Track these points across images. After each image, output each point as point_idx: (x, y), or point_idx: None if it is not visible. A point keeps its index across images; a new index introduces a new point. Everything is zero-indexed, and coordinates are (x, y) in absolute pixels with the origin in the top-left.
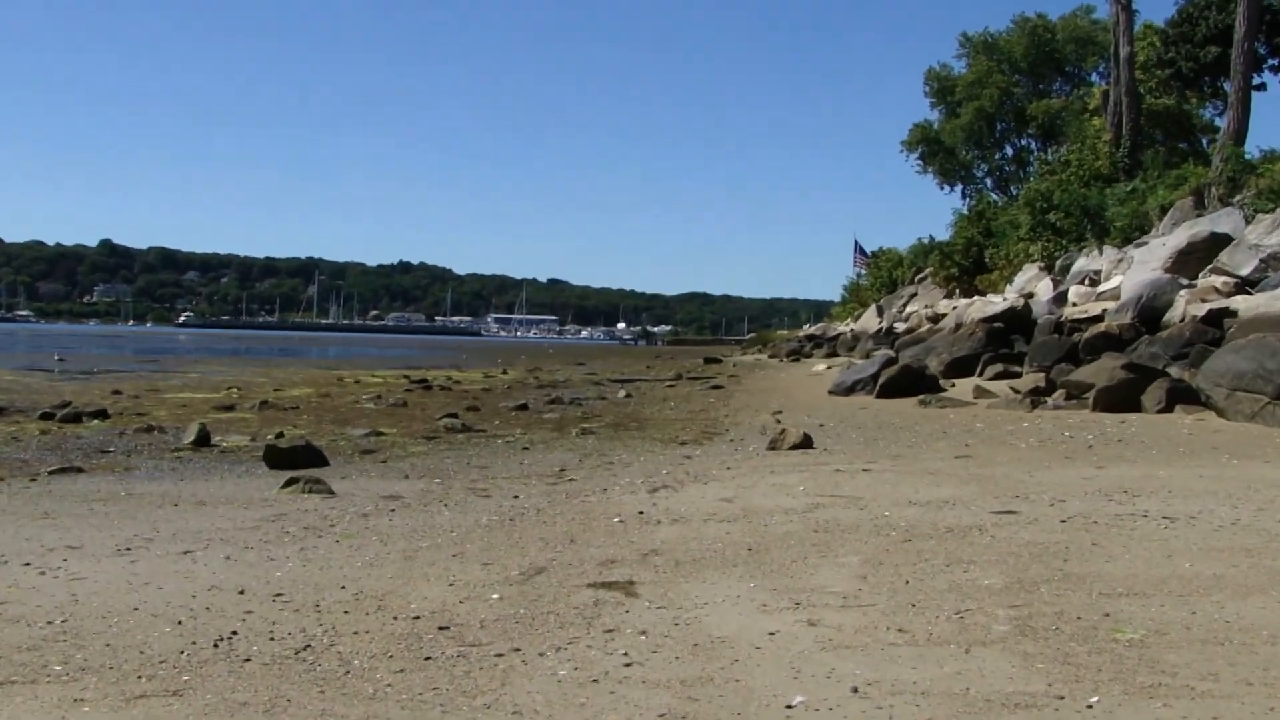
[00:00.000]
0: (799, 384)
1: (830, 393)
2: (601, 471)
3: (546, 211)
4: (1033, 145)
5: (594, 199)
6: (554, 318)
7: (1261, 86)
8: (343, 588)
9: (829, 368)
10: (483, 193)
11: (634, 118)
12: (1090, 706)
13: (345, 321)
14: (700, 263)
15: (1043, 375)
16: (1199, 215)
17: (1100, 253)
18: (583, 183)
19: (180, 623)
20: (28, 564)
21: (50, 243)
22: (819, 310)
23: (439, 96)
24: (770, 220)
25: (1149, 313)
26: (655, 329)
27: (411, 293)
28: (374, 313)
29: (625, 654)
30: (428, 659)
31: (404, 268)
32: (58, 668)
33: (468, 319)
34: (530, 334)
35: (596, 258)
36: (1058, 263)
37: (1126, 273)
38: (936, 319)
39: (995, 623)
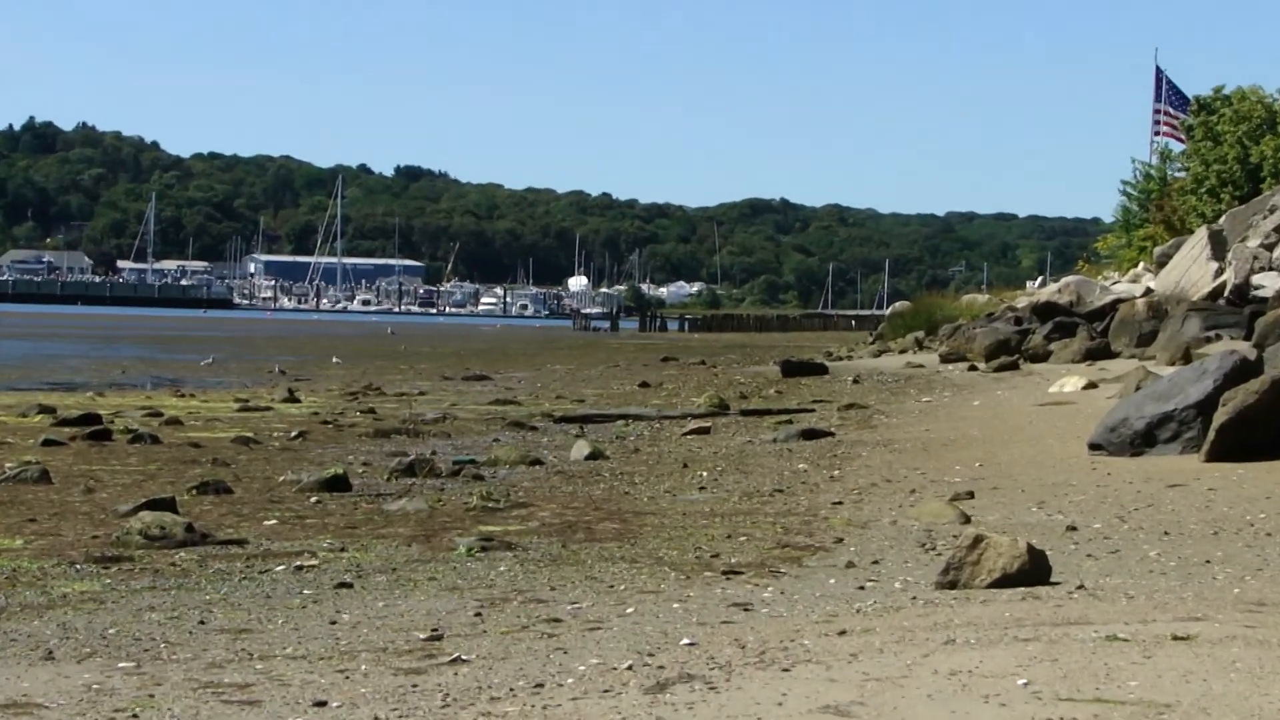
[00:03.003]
0: (1015, 424)
1: (1093, 447)
2: (530, 639)
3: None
4: None
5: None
6: (415, 264)
7: None
8: None
9: (1088, 385)
10: None
11: None
12: None
13: None
14: (778, 152)
15: None
16: None
17: None
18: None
19: None
20: None
21: None
22: (1064, 245)
23: None
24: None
25: None
26: (661, 290)
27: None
28: None
29: None
30: None
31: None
32: None
33: (201, 268)
34: (372, 303)
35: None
36: None
37: None
38: None
39: None
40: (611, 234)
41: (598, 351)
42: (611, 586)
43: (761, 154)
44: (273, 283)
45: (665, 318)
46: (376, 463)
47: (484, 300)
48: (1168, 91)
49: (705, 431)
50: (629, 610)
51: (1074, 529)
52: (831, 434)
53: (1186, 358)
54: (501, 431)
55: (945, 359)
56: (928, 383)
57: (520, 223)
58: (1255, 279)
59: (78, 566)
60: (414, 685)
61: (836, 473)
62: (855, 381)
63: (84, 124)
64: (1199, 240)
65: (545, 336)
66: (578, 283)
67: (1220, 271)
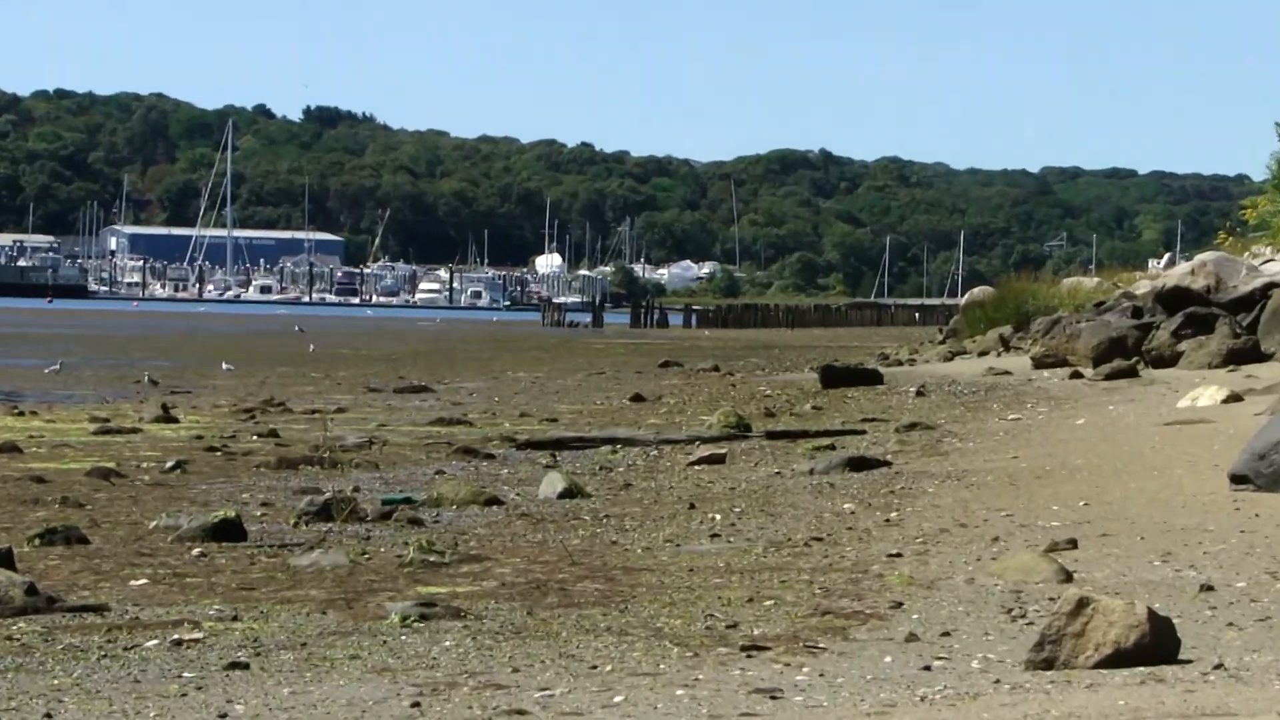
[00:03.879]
0: (1132, 449)
1: (1236, 480)
2: None
3: None
4: None
5: None
6: (331, 238)
7: None
8: None
9: (1230, 398)
10: None
11: None
12: None
13: None
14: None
15: None
16: None
17: None
18: None
19: None
20: None
21: None
22: (1199, 212)
23: None
24: None
25: None
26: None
27: None
28: None
29: None
30: None
31: None
32: None
33: (45, 244)
34: (274, 291)
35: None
36: None
37: None
38: None
39: None
40: (594, 198)
41: (575, 354)
42: (594, 667)
43: (793, 90)
44: (141, 263)
45: (666, 309)
46: (280, 503)
47: (424, 286)
48: None
49: (719, 460)
50: (617, 699)
51: (1210, 589)
52: (887, 463)
53: None
54: (447, 461)
55: (1039, 363)
56: (1016, 395)
57: (471, 183)
58: None
59: None
60: None
61: (894, 515)
62: (919, 394)
63: None
64: None
65: (505, 334)
66: (548, 263)
67: None
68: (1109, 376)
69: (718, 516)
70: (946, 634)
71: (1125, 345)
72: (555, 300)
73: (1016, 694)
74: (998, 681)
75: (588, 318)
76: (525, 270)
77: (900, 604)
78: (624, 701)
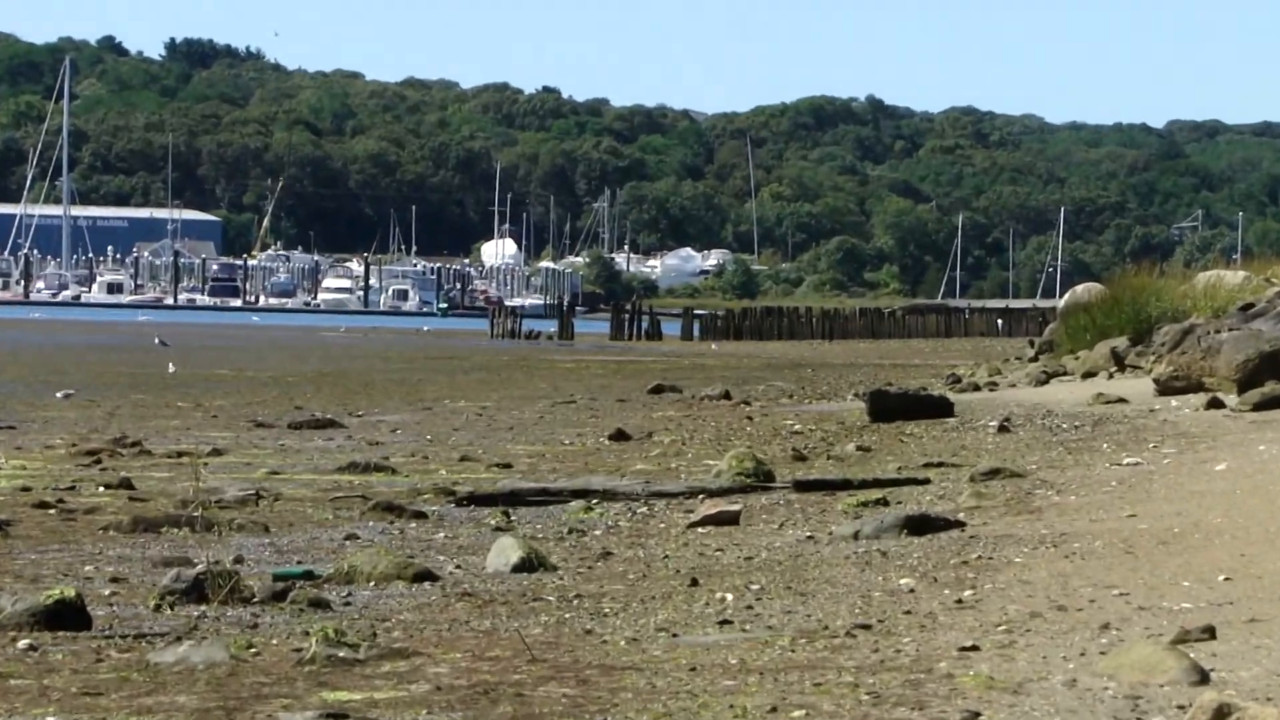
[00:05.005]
0: None
1: None
2: None
3: None
4: None
5: None
6: (204, 218)
7: None
8: None
9: None
10: None
11: None
12: None
13: None
14: None
15: None
16: None
17: None
18: None
19: None
20: None
21: None
22: None
23: None
24: None
25: None
26: (651, 265)
27: None
28: None
29: None
30: None
31: None
32: None
33: None
34: (126, 289)
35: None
36: None
37: None
38: None
39: None
40: (560, 163)
41: (536, 376)
42: None
43: (831, 19)
44: None
45: (659, 314)
46: (137, 578)
47: (329, 284)
48: None
49: (730, 521)
50: None
51: None
52: (959, 524)
53: None
54: (361, 522)
55: (1165, 387)
56: (1133, 431)
57: (394, 143)
58: None
59: None
60: None
61: (968, 594)
62: (1003, 429)
63: None
64: None
65: (441, 349)
66: (499, 252)
67: None
68: (1259, 406)
69: (729, 596)
70: None
71: None
72: (508, 303)
73: None
74: None
75: (552, 326)
76: (468, 262)
77: (977, 715)
78: None
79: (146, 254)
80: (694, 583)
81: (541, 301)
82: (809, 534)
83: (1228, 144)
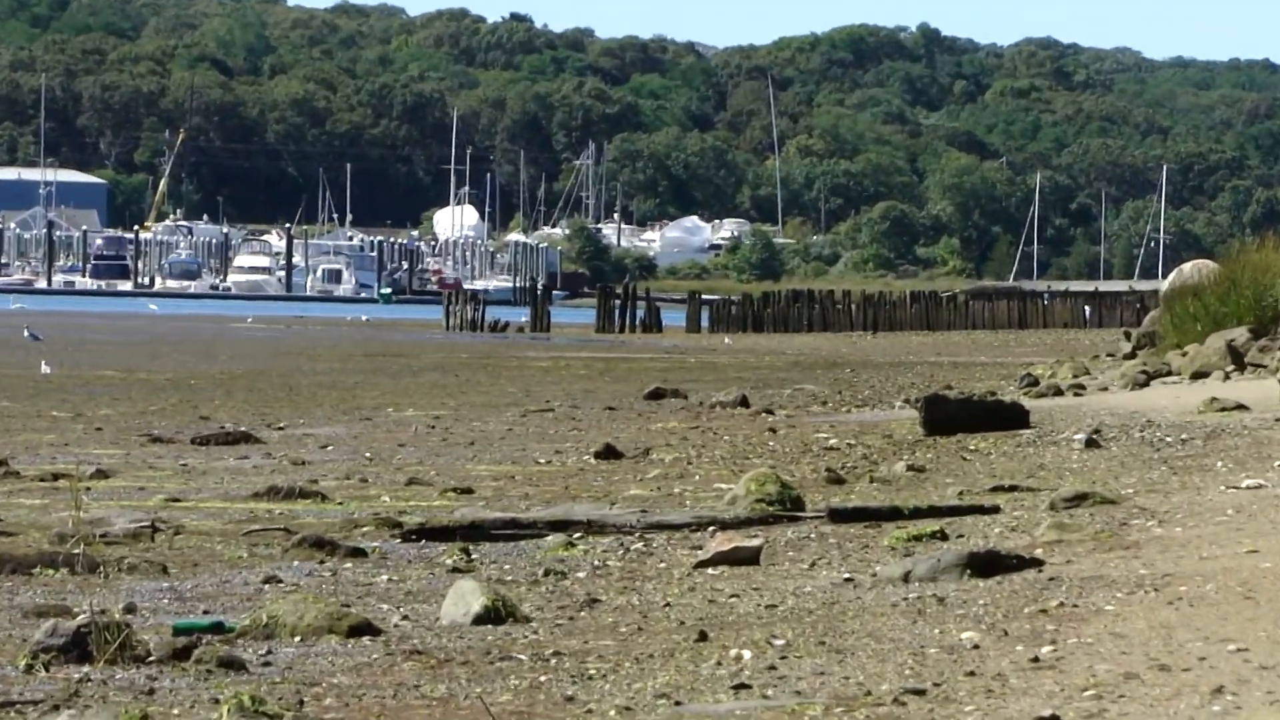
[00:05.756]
0: None
1: None
2: None
3: None
4: None
5: None
6: (83, 179)
7: None
8: None
9: None
10: None
11: None
12: None
13: None
14: None
15: None
16: None
17: None
18: None
19: None
20: None
21: None
22: None
23: None
24: None
25: None
26: (647, 239)
27: None
28: None
29: None
30: None
31: None
32: None
33: None
34: None
35: None
36: None
37: None
38: None
39: None
40: (534, 110)
41: (503, 377)
42: None
43: None
44: None
45: (658, 300)
46: (2, 630)
47: (243, 263)
48: None
49: (749, 559)
50: None
51: None
52: (1037, 563)
53: None
54: (284, 561)
55: None
56: (1255, 445)
57: (324, 86)
58: None
59: None
60: None
61: (1047, 650)
62: (1091, 443)
63: None
64: None
65: (385, 344)
66: (457, 223)
67: None
68: None
69: (746, 654)
70: None
71: None
72: (468, 286)
73: None
74: None
75: (524, 315)
76: (416, 236)
77: None
78: None
79: (13, 225)
80: (702, 637)
81: (510, 284)
82: (847, 576)
83: None
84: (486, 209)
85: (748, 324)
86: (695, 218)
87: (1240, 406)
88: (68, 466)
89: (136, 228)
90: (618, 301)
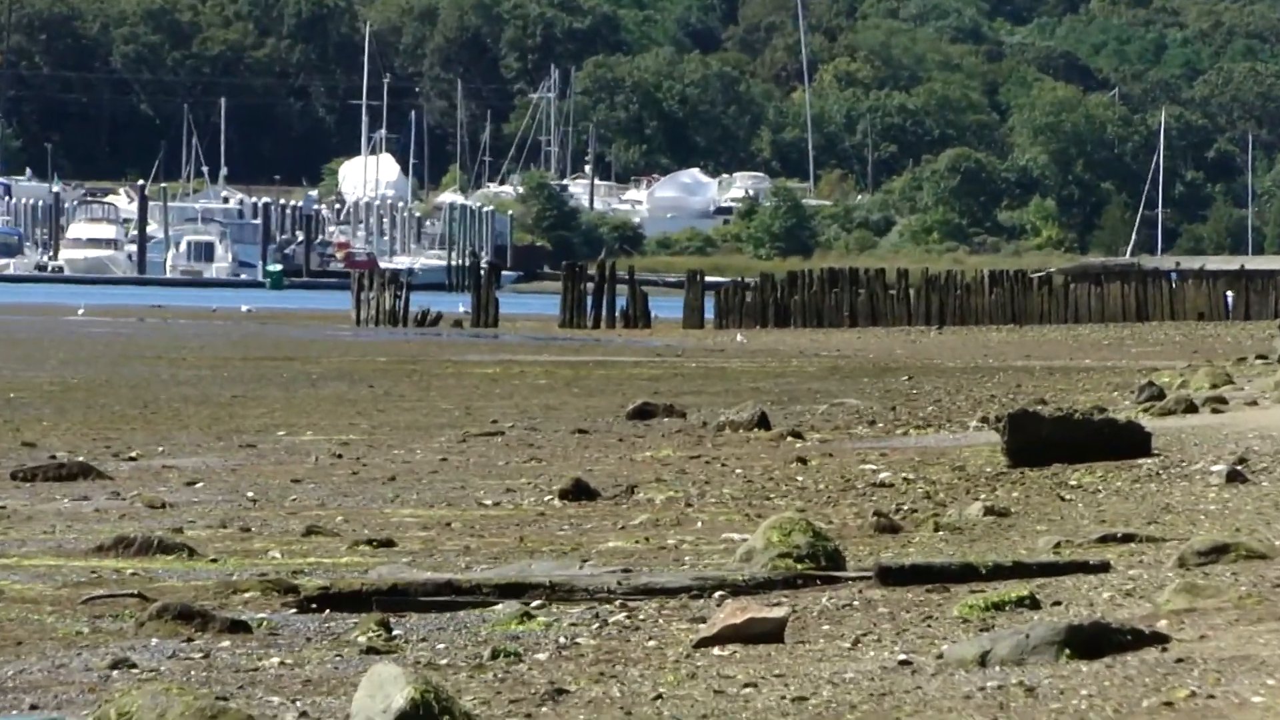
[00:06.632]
0: None
1: None
2: None
3: None
4: None
5: None
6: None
7: None
8: None
9: None
10: None
11: None
12: None
13: None
14: None
15: None
16: None
17: None
18: None
19: None
20: None
21: None
22: None
23: None
24: None
25: None
26: (631, 200)
27: None
28: None
29: None
30: None
31: None
32: None
33: None
34: None
35: None
36: None
37: None
38: None
39: None
40: (476, 26)
41: (435, 388)
42: None
43: None
44: None
45: (645, 282)
46: None
47: (80, 233)
48: None
49: (770, 635)
50: None
51: None
52: (1161, 639)
53: None
54: (139, 637)
55: None
56: None
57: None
58: None
59: None
60: None
61: None
62: (1234, 477)
63: None
64: None
65: (274, 343)
66: (369, 178)
67: None
68: None
69: None
70: None
71: None
72: (386, 265)
73: None
74: None
75: (462, 305)
76: (316, 196)
77: None
78: None
79: None
80: None
81: (443, 263)
82: (903, 658)
83: None
84: (411, 160)
85: (767, 316)
86: (696, 171)
87: None
88: None
89: None
90: (591, 285)
